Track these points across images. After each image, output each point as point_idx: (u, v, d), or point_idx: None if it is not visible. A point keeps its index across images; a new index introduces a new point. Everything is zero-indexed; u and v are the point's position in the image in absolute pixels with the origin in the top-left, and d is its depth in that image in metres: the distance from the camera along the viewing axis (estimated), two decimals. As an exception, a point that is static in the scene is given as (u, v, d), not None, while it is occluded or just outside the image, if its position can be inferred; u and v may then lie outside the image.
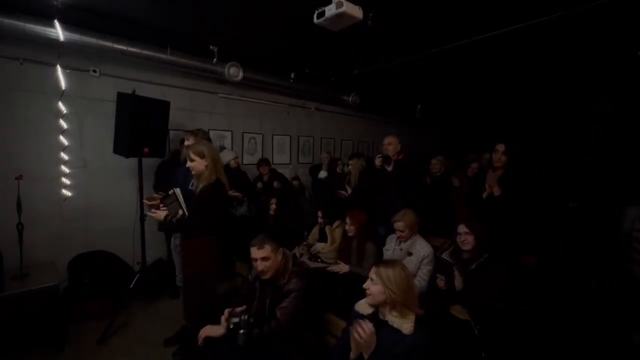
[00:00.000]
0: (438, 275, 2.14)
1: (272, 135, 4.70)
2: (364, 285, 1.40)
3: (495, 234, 2.09)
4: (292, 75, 4.33)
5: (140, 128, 2.72)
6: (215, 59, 3.45)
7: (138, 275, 2.83)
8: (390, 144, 3.04)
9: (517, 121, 8.88)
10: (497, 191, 2.42)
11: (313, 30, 2.33)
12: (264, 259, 1.75)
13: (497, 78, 4.74)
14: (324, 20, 2.17)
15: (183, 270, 2.28)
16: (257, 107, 4.49)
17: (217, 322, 1.77)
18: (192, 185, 2.29)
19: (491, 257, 2.02)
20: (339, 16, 2.09)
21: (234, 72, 3.62)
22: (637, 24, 2.74)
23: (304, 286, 1.74)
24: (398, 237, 2.44)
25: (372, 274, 1.38)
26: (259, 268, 1.76)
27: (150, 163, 3.17)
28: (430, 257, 2.30)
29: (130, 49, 2.95)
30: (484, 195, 2.49)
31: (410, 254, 2.36)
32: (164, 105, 2.99)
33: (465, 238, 2.07)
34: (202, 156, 2.02)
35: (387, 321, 1.32)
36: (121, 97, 2.77)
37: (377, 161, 2.99)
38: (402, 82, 4.98)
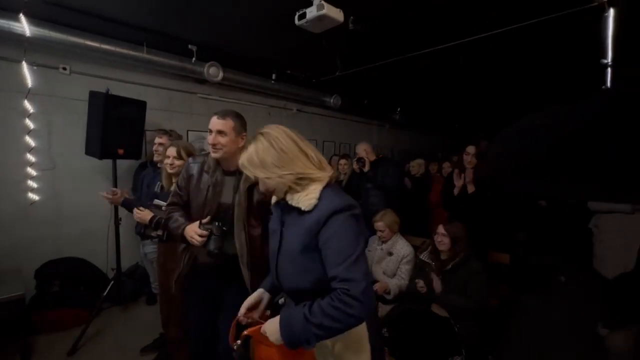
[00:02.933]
0: (417, 280, 2.16)
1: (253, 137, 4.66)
2: (210, 141, 1.27)
3: (470, 232, 2.16)
4: (274, 76, 4.30)
5: (114, 128, 2.62)
6: (194, 59, 3.37)
7: (112, 282, 2.71)
8: (365, 150, 3.21)
9: (493, 123, 9.23)
10: (470, 189, 2.51)
11: (294, 31, 2.33)
12: (220, 132, 1.46)
13: (474, 81, 4.92)
14: (305, 22, 2.17)
15: (159, 276, 2.20)
16: (237, 108, 4.40)
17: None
18: (158, 187, 2.20)
19: (466, 257, 2.08)
20: (320, 18, 2.11)
21: (214, 72, 3.56)
22: (600, 33, 2.93)
23: None
24: (379, 237, 2.47)
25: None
26: (210, 140, 1.47)
27: (125, 165, 3.06)
28: (410, 257, 2.35)
29: (103, 46, 2.83)
30: (455, 192, 2.58)
31: (390, 253, 2.40)
32: (140, 105, 2.90)
33: (442, 239, 2.14)
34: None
35: (287, 202, 1.02)
36: (94, 96, 2.66)
37: (354, 165, 3.21)
38: (383, 84, 5.07)
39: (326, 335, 0.88)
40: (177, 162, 1.96)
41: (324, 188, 0.98)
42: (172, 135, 2.51)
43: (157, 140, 2.46)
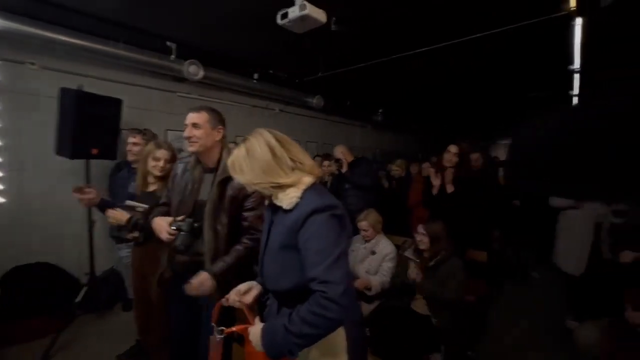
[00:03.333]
0: (410, 263, 2.23)
1: (235, 136, 4.58)
2: (185, 134, 1.22)
3: (450, 231, 2.22)
4: (256, 75, 4.26)
5: (87, 127, 2.51)
6: (173, 56, 3.29)
7: (86, 287, 2.59)
8: (341, 152, 3.30)
9: (472, 125, 9.54)
10: (449, 188, 2.57)
11: (277, 31, 2.32)
12: (194, 125, 1.46)
13: (454, 84, 5.06)
14: (288, 22, 2.16)
15: (134, 281, 2.12)
16: (218, 107, 4.21)
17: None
18: (133, 188, 2.13)
19: (448, 255, 2.14)
20: (302, 19, 2.10)
21: (194, 70, 3.48)
22: (567, 41, 3.09)
23: None
24: (362, 237, 2.50)
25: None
26: (185, 134, 1.48)
27: (100, 165, 2.93)
28: (392, 255, 2.39)
29: (75, 41, 2.71)
30: (434, 192, 2.64)
31: (373, 252, 2.43)
32: (116, 103, 2.79)
33: (422, 238, 2.20)
34: None
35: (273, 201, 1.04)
36: (65, 93, 2.53)
37: (332, 167, 3.34)
38: (365, 85, 5.13)
39: (308, 343, 0.87)
40: (167, 166, 1.93)
41: (308, 188, 0.98)
42: (146, 135, 2.42)
43: (131, 139, 2.37)
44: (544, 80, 4.71)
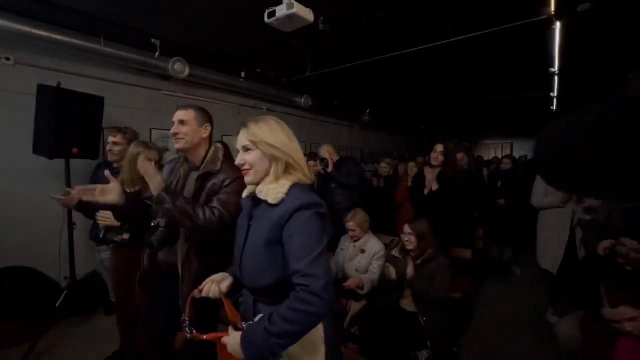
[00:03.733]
0: (387, 264, 2.26)
1: (222, 136, 4.52)
2: (238, 162, 1.04)
3: (435, 229, 2.26)
4: (243, 74, 4.21)
5: (67, 126, 2.43)
6: (157, 53, 3.21)
7: (66, 291, 2.51)
8: (327, 152, 3.31)
9: (457, 125, 9.72)
10: (435, 186, 2.61)
11: (264, 29, 2.30)
12: (181, 122, 1.48)
13: (441, 85, 5.14)
14: (275, 21, 2.15)
15: (115, 284, 2.07)
16: (205, 106, 4.20)
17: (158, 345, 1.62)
18: None
19: (435, 253, 2.17)
20: (290, 17, 2.09)
21: (180, 68, 3.42)
22: (547, 44, 3.19)
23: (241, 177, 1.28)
24: (351, 237, 2.52)
25: (243, 140, 1.03)
26: (172, 130, 1.48)
27: (81, 165, 2.83)
28: (381, 253, 2.41)
29: (54, 36, 2.61)
30: (425, 192, 2.67)
31: (363, 251, 2.46)
32: (97, 101, 2.71)
33: (409, 238, 2.21)
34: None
35: (256, 194, 1.03)
36: (43, 90, 2.44)
37: (318, 167, 3.30)
38: (353, 85, 5.15)
39: (290, 342, 0.87)
40: (156, 166, 1.89)
41: (294, 186, 1.00)
42: (127, 133, 2.31)
43: (111, 139, 2.27)
44: (527, 82, 4.84)
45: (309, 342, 0.98)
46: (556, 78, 4.42)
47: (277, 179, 1.00)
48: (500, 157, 5.91)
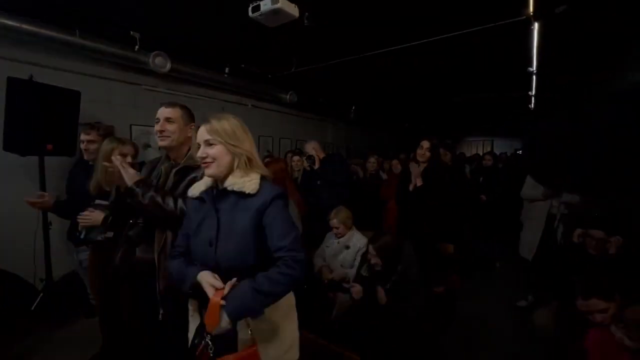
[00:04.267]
0: (353, 285, 2.09)
1: (206, 132, 4.45)
2: (199, 154, 1.11)
3: (421, 225, 2.29)
4: (227, 69, 4.14)
5: (41, 121, 2.32)
6: (137, 47, 3.11)
7: (42, 294, 2.41)
8: (313, 148, 3.29)
9: (440, 123, 9.89)
10: (419, 182, 2.66)
11: (249, 24, 2.26)
12: (168, 119, 1.48)
13: (424, 83, 5.22)
14: (259, 15, 2.12)
15: (94, 284, 2.01)
16: (188, 101, 4.13)
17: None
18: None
19: (404, 268, 2.00)
20: (275, 12, 2.07)
21: (160, 62, 3.31)
22: (527, 44, 3.29)
23: None
24: (335, 234, 2.53)
25: (205, 134, 1.10)
26: (157, 128, 1.47)
27: (55, 162, 2.72)
28: (365, 249, 2.42)
29: (24, 26, 2.48)
30: (411, 187, 2.71)
31: (347, 247, 2.49)
32: (73, 96, 2.60)
33: (375, 260, 2.02)
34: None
35: (226, 188, 1.11)
36: (13, 83, 2.32)
37: (304, 163, 3.31)
38: (338, 82, 5.15)
39: (271, 302, 1.01)
40: (132, 161, 1.84)
41: (262, 178, 1.13)
42: (101, 129, 2.20)
43: (84, 137, 2.15)
44: (507, 81, 4.98)
45: (287, 308, 1.16)
46: (534, 77, 4.56)
47: (247, 173, 1.11)
48: (481, 153, 6.08)
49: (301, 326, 1.25)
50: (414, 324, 1.95)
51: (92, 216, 1.80)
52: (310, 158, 3.21)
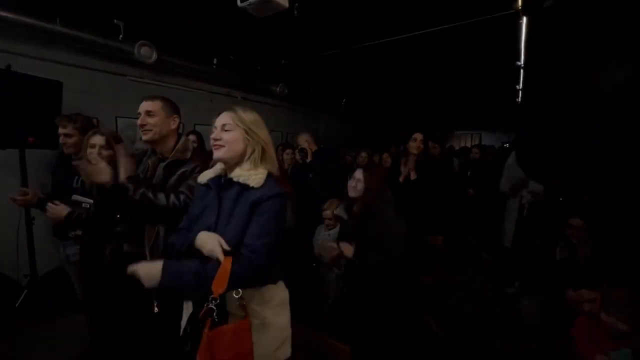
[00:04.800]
0: (330, 244, 1.90)
1: (195, 124, 4.36)
2: (214, 136, 1.11)
3: (413, 217, 2.31)
4: (215, 60, 4.06)
5: (21, 113, 2.24)
6: (121, 36, 3.01)
7: (26, 290, 2.35)
8: (306, 141, 3.27)
9: (430, 116, 9.95)
10: (413, 175, 2.68)
11: (238, 14, 2.21)
12: (148, 112, 1.46)
13: (415, 76, 5.22)
14: (248, 5, 2.07)
15: (83, 280, 1.97)
16: (175, 93, 4.07)
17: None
18: (77, 182, 1.95)
19: (382, 204, 1.83)
20: (264, 2, 2.03)
21: (146, 52, 3.22)
22: (515, 39, 3.32)
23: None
24: (326, 225, 2.53)
25: (225, 119, 1.11)
26: (139, 121, 1.46)
27: (37, 156, 2.63)
28: None
29: (2, 13, 2.36)
30: (401, 179, 2.74)
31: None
32: (55, 86, 2.51)
33: (356, 184, 1.85)
34: None
35: (231, 178, 1.12)
36: (-11, 72, 2.23)
37: (296, 156, 3.29)
38: (329, 75, 5.12)
39: (200, 286, 0.99)
40: (105, 152, 1.72)
41: (269, 175, 1.12)
42: (78, 122, 2.06)
43: (60, 130, 2.02)
44: (495, 75, 5.04)
45: (280, 304, 1.16)
46: (522, 71, 4.62)
47: (255, 167, 1.11)
48: (469, 146, 6.16)
49: (293, 317, 1.24)
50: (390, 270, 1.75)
51: (56, 210, 1.75)
52: (302, 151, 3.19)
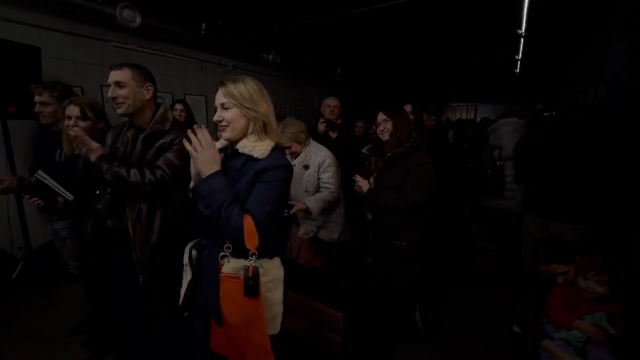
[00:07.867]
0: (355, 177, 1.93)
1: (184, 94, 4.21)
2: (215, 118, 1.11)
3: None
4: (204, 26, 3.84)
5: (-2, 81, 2.12)
6: (102, -3, 2.80)
7: (22, 262, 2.36)
8: (336, 107, 2.86)
9: (426, 87, 9.77)
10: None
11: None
12: (117, 83, 1.36)
13: (407, 46, 5.05)
14: (238, -37, 1.92)
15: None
16: (162, 60, 3.89)
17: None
18: (61, 155, 1.86)
19: (412, 147, 1.81)
20: (255, -40, 1.88)
21: (129, 15, 3.01)
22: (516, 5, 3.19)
23: None
24: (290, 154, 2.11)
25: (221, 97, 1.09)
26: (109, 94, 1.38)
27: (19, 126, 2.53)
28: (327, 162, 2.06)
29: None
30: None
31: (307, 166, 2.09)
32: (32, 52, 2.37)
33: (384, 127, 1.85)
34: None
35: (237, 149, 1.12)
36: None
37: (321, 126, 2.77)
38: (323, 42, 4.92)
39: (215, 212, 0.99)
40: (83, 124, 1.64)
41: (275, 147, 1.12)
42: (55, 89, 1.92)
43: (37, 98, 1.89)
44: (494, 44, 4.89)
45: (273, 281, 1.13)
46: (522, 40, 4.50)
47: (261, 139, 1.11)
48: (465, 118, 6.11)
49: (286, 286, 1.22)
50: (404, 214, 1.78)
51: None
52: (332, 125, 2.76)
